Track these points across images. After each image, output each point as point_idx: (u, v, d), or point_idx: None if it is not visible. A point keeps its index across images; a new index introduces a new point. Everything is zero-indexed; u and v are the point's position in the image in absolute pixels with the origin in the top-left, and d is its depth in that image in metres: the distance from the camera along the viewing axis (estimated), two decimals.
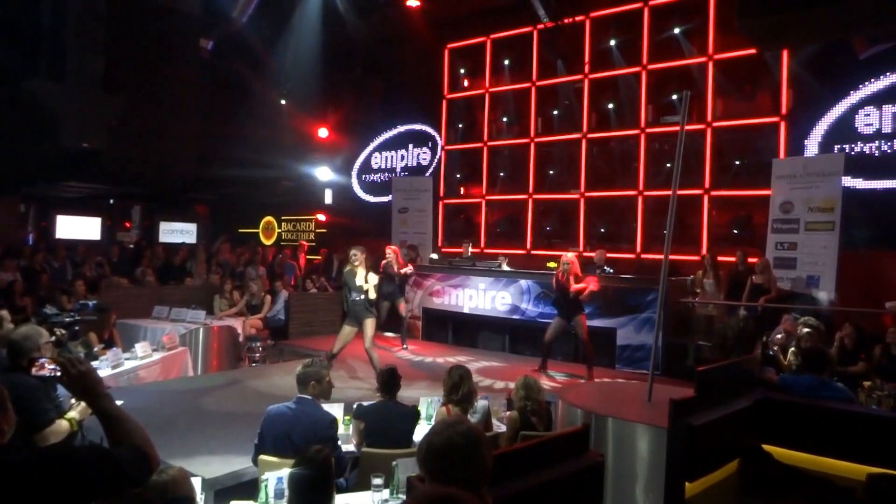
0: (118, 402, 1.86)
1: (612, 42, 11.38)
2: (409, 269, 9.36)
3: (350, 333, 6.92)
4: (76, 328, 4.61)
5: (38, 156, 11.50)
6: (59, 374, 1.81)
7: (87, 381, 1.79)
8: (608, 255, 10.07)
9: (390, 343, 9.52)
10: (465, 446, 1.74)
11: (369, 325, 6.82)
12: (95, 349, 6.95)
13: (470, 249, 11.08)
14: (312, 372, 3.87)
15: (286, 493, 3.16)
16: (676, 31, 10.70)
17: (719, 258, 8.91)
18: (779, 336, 6.97)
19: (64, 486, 1.49)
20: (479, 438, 1.80)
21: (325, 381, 3.92)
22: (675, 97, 10.72)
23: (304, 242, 14.84)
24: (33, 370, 1.88)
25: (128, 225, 16.39)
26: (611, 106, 11.59)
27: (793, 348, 6.27)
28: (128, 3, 12.22)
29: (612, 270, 9.30)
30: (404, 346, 9.25)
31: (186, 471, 2.82)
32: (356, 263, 6.85)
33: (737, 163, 10.31)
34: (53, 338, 3.73)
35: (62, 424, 3.17)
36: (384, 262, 8.96)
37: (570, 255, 7.64)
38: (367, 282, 6.76)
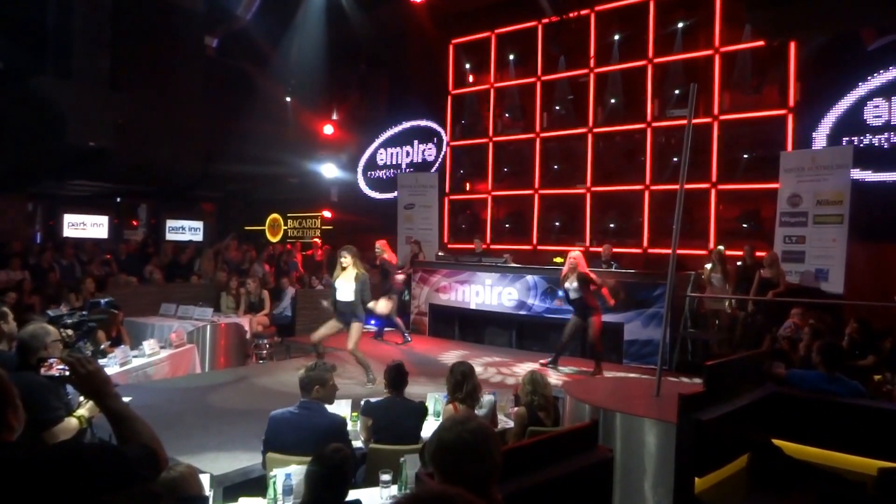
0: (126, 399, 1.87)
1: (616, 36, 11.31)
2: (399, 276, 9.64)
3: (334, 327, 6.90)
4: (86, 328, 4.55)
5: (45, 154, 11.54)
6: (67, 374, 1.81)
7: (96, 381, 1.80)
8: (615, 249, 10.06)
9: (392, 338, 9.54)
10: (475, 443, 1.73)
11: (355, 328, 6.76)
12: (103, 346, 6.98)
13: (481, 246, 11.03)
14: (316, 376, 3.81)
15: (295, 488, 3.17)
16: (680, 25, 10.63)
17: (727, 252, 8.86)
18: (788, 330, 6.94)
19: (73, 483, 1.50)
20: (489, 436, 1.80)
21: (329, 385, 3.85)
22: (676, 92, 10.64)
23: (318, 240, 14.77)
24: (42, 370, 1.89)
25: (135, 223, 16.45)
26: (612, 101, 11.50)
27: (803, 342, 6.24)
28: (133, 1, 12.24)
29: (614, 265, 9.27)
30: (406, 339, 9.22)
31: (195, 467, 2.83)
32: (344, 266, 6.82)
33: (745, 156, 10.22)
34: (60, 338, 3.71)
35: (71, 422, 3.18)
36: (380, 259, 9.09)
37: (574, 253, 7.61)
38: (349, 286, 6.73)
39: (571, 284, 7.34)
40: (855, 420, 3.87)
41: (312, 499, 2.76)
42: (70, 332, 3.95)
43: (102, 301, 5.32)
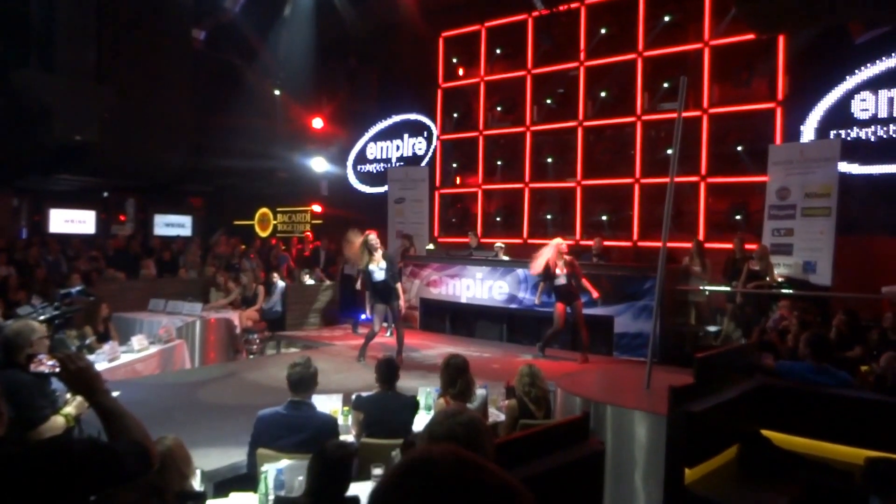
0: (114, 394, 1.85)
1: (603, 30, 11.30)
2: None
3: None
4: (57, 322, 4.43)
5: (31, 148, 11.40)
6: (58, 370, 1.79)
7: (86, 378, 1.77)
8: (605, 243, 10.09)
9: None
10: (466, 436, 1.73)
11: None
12: (89, 341, 6.91)
13: (478, 240, 10.89)
14: (313, 373, 3.80)
15: (286, 483, 3.16)
16: (666, 18, 10.65)
17: (716, 245, 8.91)
18: (779, 322, 6.99)
19: (63, 479, 1.48)
20: (481, 428, 1.79)
21: (317, 381, 3.88)
22: (666, 85, 10.66)
23: (310, 234, 14.57)
24: (32, 367, 1.87)
25: (122, 218, 16.31)
26: (603, 94, 11.50)
27: (791, 333, 6.29)
28: None
29: (597, 259, 9.29)
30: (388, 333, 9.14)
31: (181, 439, 2.83)
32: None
33: (739, 149, 10.22)
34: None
35: (58, 420, 3.15)
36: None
37: (555, 241, 7.67)
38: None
39: (562, 270, 7.40)
40: (843, 410, 3.91)
41: (314, 494, 2.75)
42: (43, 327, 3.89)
43: (73, 290, 5.13)
